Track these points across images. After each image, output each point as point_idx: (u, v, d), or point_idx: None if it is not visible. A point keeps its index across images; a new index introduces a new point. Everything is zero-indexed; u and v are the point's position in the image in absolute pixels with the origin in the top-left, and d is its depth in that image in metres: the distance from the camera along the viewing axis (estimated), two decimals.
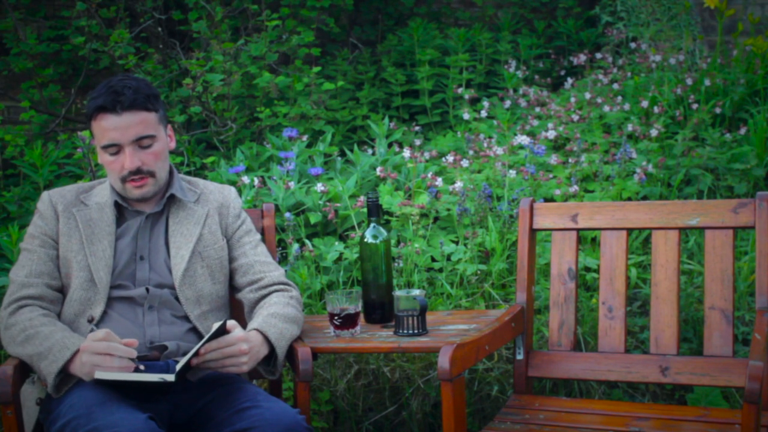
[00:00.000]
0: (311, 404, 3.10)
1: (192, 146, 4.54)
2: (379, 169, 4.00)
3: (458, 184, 3.76)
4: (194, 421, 2.45)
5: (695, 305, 3.37)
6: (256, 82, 4.76)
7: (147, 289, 2.56)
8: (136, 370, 2.37)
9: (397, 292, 2.76)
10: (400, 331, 2.73)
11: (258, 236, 2.79)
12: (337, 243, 3.65)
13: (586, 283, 3.56)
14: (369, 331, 2.81)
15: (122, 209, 2.64)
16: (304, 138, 4.32)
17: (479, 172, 4.11)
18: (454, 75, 5.37)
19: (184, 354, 2.50)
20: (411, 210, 3.73)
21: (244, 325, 2.61)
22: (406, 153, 4.10)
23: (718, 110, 4.45)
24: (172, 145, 2.68)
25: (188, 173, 4.24)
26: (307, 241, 3.62)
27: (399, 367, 3.38)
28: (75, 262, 2.57)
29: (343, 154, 4.53)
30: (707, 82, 4.59)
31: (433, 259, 3.64)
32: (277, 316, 2.57)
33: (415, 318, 2.72)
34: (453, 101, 5.29)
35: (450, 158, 4.07)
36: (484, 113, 4.84)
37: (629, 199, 3.88)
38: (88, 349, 2.34)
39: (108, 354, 2.32)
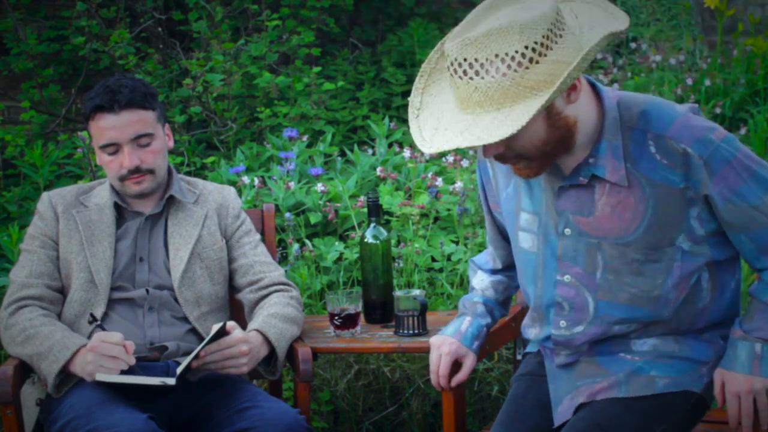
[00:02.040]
0: (311, 404, 3.10)
1: (192, 146, 4.54)
2: (379, 169, 4.00)
3: (458, 184, 3.76)
4: (194, 421, 2.45)
5: None
6: (256, 82, 4.75)
7: (147, 291, 2.56)
8: (132, 371, 2.36)
9: (398, 292, 2.76)
10: (401, 331, 2.73)
11: (258, 236, 2.79)
12: (337, 243, 3.65)
13: None
14: (369, 331, 2.81)
15: (122, 210, 2.64)
16: (304, 138, 4.32)
17: None
18: None
19: (185, 354, 2.50)
20: (411, 210, 3.72)
21: (244, 325, 2.60)
22: (407, 153, 4.10)
23: (718, 110, 4.46)
24: (171, 144, 2.67)
25: (188, 173, 4.24)
26: (307, 241, 3.62)
27: (399, 367, 3.38)
28: (75, 264, 2.56)
29: (343, 154, 4.53)
30: (707, 82, 4.59)
31: (433, 259, 3.64)
32: (277, 316, 2.57)
33: (415, 318, 2.71)
34: None
35: (450, 158, 4.06)
36: None
37: None
38: (98, 350, 2.33)
39: (116, 358, 2.33)
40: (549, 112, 1.86)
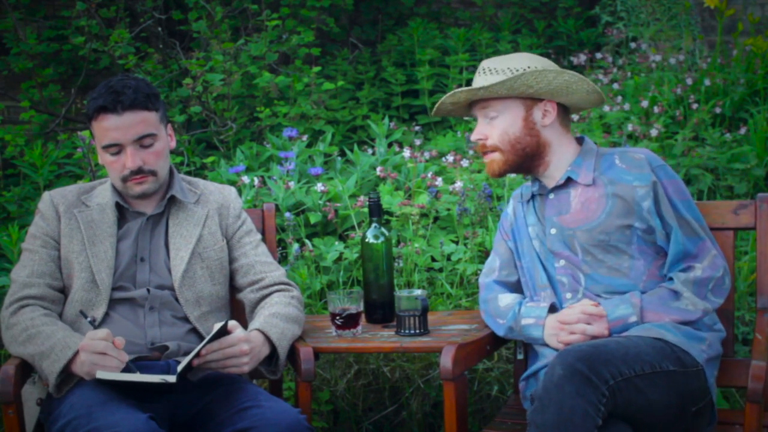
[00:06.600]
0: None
1: (192, 146, 4.54)
2: (379, 169, 4.00)
3: (458, 184, 3.76)
4: (195, 420, 2.45)
5: None
6: (256, 82, 4.76)
7: (148, 290, 2.56)
8: (128, 370, 2.36)
9: (399, 292, 2.76)
10: (402, 331, 2.73)
11: (258, 236, 2.79)
12: (337, 243, 3.65)
13: None
14: (371, 331, 2.81)
15: (123, 210, 2.64)
16: (304, 138, 4.32)
17: (479, 171, 4.11)
18: (454, 75, 5.38)
19: (185, 354, 2.50)
20: (411, 210, 3.73)
21: (245, 325, 2.61)
22: (406, 153, 4.10)
23: (718, 110, 4.46)
24: (173, 144, 2.67)
25: (188, 173, 4.24)
26: (307, 241, 3.62)
27: (399, 367, 3.39)
28: (77, 263, 2.56)
29: (343, 154, 4.53)
30: (707, 82, 4.59)
31: (433, 259, 3.64)
32: (278, 316, 2.57)
33: (416, 318, 2.72)
34: None
35: (450, 158, 4.07)
36: None
37: None
38: (87, 348, 2.34)
39: (105, 354, 2.32)
40: (527, 117, 2.57)
